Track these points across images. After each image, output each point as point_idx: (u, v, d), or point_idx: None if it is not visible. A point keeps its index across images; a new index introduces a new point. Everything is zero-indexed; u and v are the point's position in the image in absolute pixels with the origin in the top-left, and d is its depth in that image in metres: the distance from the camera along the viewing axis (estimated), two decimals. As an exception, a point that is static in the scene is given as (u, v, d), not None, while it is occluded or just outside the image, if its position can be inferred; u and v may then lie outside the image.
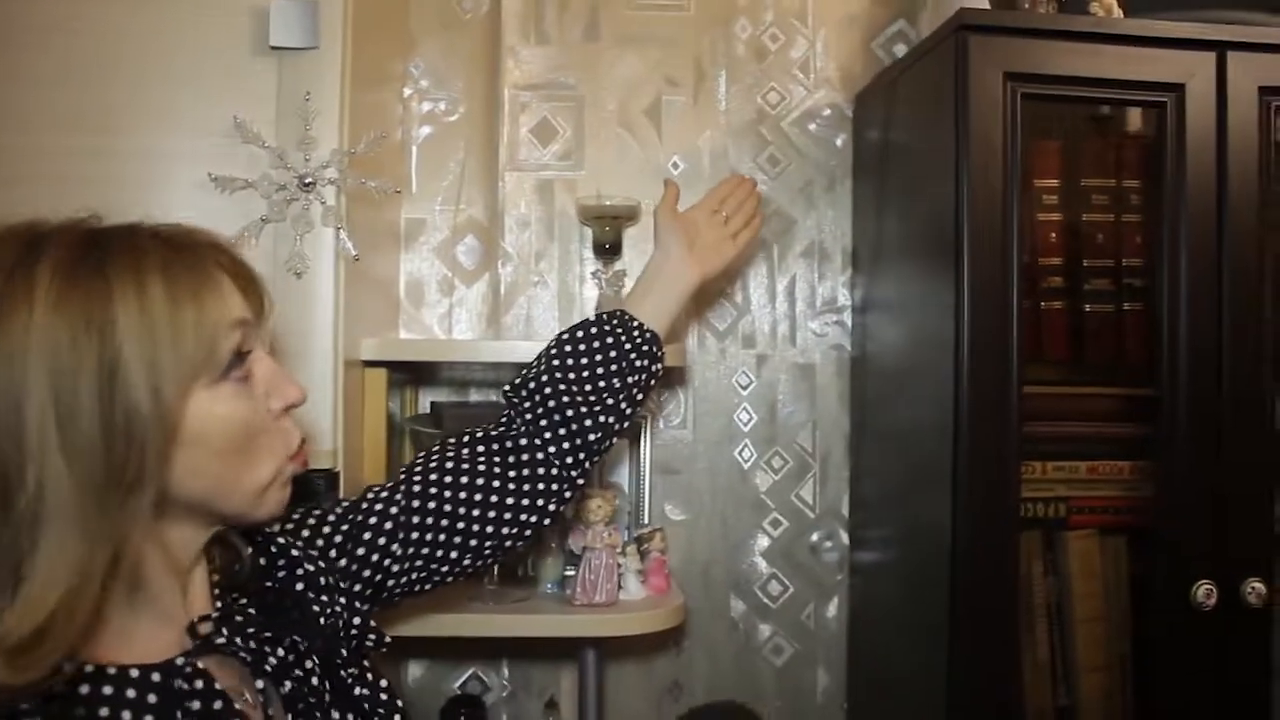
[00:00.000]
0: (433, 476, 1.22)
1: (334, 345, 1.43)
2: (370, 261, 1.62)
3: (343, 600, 1.05)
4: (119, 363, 0.76)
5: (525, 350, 1.58)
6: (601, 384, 1.31)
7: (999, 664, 1.52)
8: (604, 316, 1.36)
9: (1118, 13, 1.57)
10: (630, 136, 1.96)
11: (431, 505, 1.20)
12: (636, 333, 1.35)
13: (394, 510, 1.18)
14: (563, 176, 1.96)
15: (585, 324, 1.35)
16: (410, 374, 1.86)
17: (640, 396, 1.36)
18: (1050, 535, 1.65)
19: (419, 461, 1.25)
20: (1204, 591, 1.51)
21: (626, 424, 1.35)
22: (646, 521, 1.90)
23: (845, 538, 1.98)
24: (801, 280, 1.99)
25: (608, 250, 1.81)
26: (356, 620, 1.05)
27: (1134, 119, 1.70)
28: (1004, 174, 1.49)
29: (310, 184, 1.41)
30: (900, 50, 1.99)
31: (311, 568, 1.03)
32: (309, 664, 0.96)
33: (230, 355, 0.85)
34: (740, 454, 1.98)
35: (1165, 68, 1.53)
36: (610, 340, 1.33)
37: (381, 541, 1.15)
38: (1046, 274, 1.63)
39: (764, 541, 1.98)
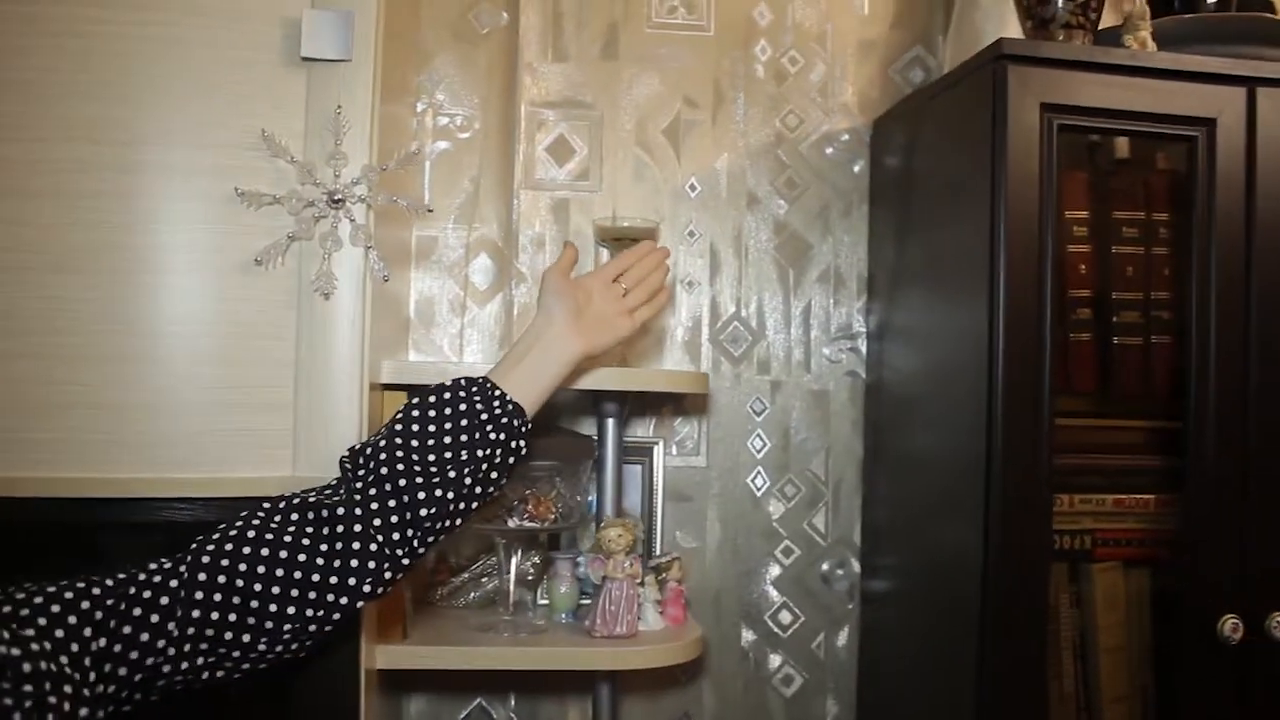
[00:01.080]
0: (227, 547, 1.07)
1: (360, 368, 1.38)
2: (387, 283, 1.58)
3: (67, 689, 0.91)
4: None
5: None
6: (447, 454, 1.18)
7: (1029, 696, 1.51)
8: (462, 381, 1.24)
9: (1152, 46, 1.57)
10: (648, 156, 1.93)
11: (221, 580, 1.04)
12: (497, 403, 1.22)
13: (173, 584, 1.03)
14: (578, 196, 1.92)
15: (440, 387, 1.23)
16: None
17: (495, 475, 1.22)
18: (1076, 567, 1.64)
19: (215, 530, 1.10)
20: (1230, 625, 1.51)
21: (474, 505, 1.21)
22: (658, 549, 1.87)
23: (856, 566, 1.96)
24: (817, 306, 1.97)
25: (625, 271, 1.78)
26: (84, 711, 0.92)
27: (1161, 153, 1.70)
28: (1040, 205, 1.48)
29: (340, 201, 1.36)
30: (917, 76, 1.98)
31: (17, 651, 0.88)
32: None
33: None
34: (753, 481, 1.95)
35: (1197, 102, 1.53)
36: (464, 408, 1.20)
37: (154, 620, 1.00)
38: (1075, 306, 1.62)
39: (775, 570, 1.96)
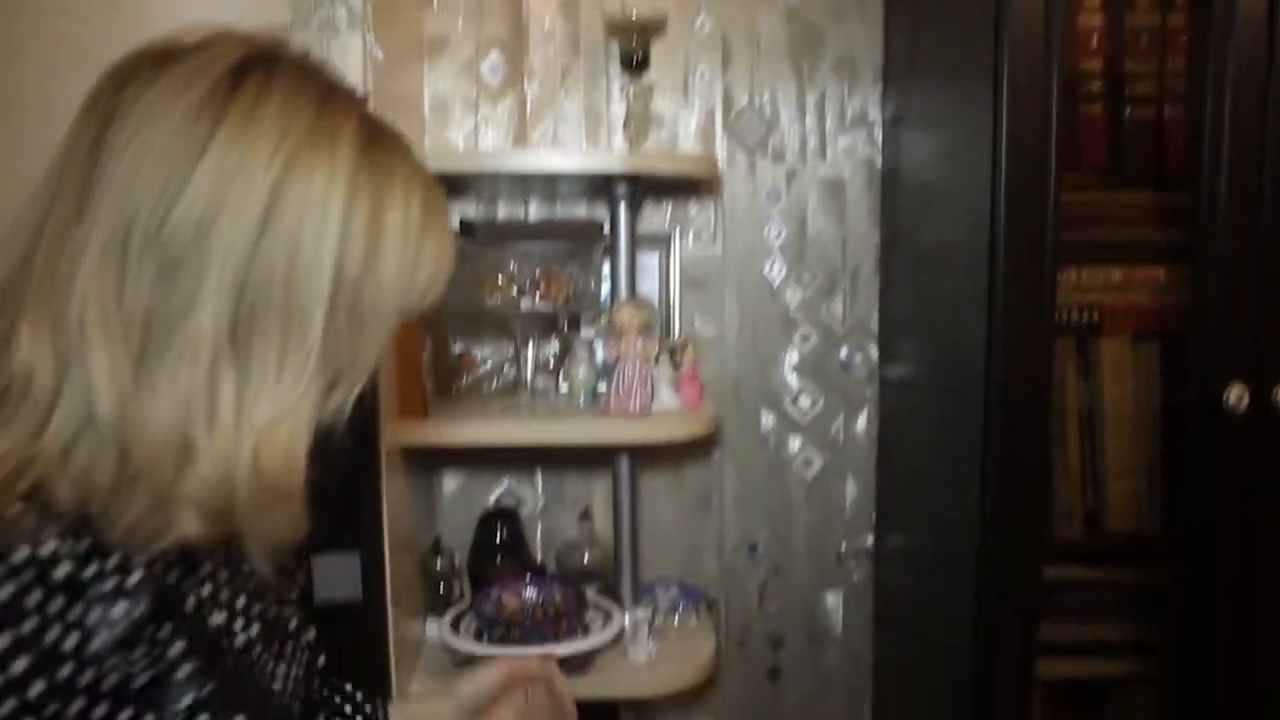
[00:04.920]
0: None
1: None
2: (392, 78, 1.59)
3: None
4: (378, 259, 0.74)
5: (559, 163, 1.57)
6: None
7: (1031, 470, 1.53)
8: None
9: None
10: (658, -54, 1.90)
11: None
12: None
13: None
14: (587, -11, 1.91)
15: None
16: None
17: None
18: (1083, 341, 1.66)
19: None
20: (1236, 395, 1.52)
21: None
22: (677, 335, 1.91)
23: (874, 352, 2.00)
24: (831, 95, 1.95)
25: (636, 65, 1.77)
26: None
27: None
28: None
29: (335, -15, 1.37)
30: None
31: None
32: None
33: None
34: (770, 269, 1.98)
35: None
36: None
37: None
38: (1087, 78, 1.59)
39: (794, 356, 2.00)
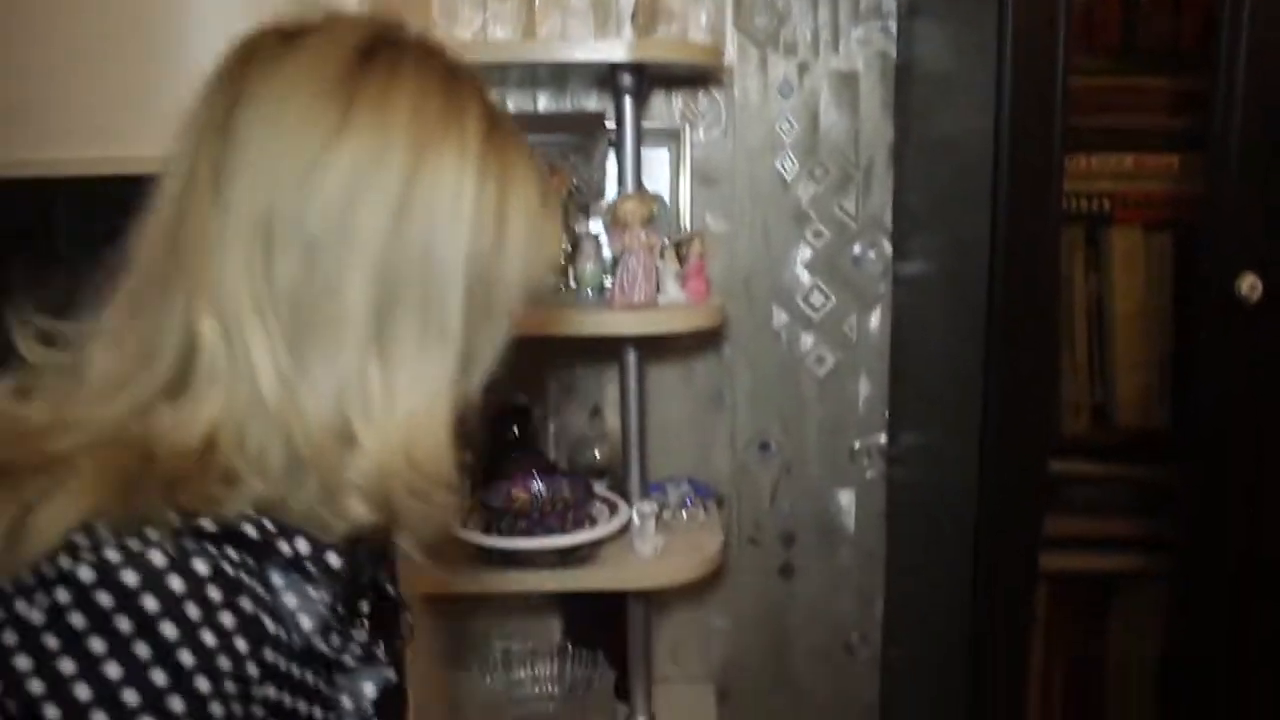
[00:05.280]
0: None
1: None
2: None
3: None
4: (504, 240, 0.74)
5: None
6: None
7: (1037, 362, 1.52)
8: None
9: None
10: None
11: None
12: None
13: None
14: (593, -123, 1.87)
15: None
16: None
17: None
18: (1093, 231, 1.63)
19: None
20: (1249, 284, 1.49)
21: None
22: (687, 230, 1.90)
23: (888, 248, 1.97)
24: (845, -16, 1.92)
25: (642, -47, 1.75)
26: None
27: None
28: None
29: None
30: None
31: None
32: None
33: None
34: (781, 164, 1.96)
35: None
36: None
37: None
38: (1099, -46, 1.55)
39: (806, 253, 1.98)
